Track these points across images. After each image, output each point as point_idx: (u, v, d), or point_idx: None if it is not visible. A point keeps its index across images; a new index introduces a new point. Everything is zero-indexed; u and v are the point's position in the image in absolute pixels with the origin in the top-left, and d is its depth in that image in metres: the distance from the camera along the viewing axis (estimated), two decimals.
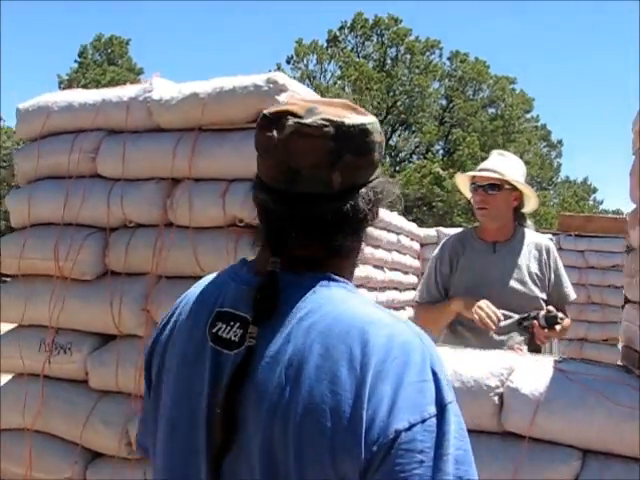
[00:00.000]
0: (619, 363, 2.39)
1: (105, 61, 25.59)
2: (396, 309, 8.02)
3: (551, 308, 2.68)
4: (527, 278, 2.84)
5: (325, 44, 25.28)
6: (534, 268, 2.87)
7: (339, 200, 1.01)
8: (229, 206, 2.37)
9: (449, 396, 0.94)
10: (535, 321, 2.66)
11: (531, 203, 3.01)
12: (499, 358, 2.22)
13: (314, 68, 24.51)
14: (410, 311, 8.50)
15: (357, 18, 24.96)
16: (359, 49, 25.53)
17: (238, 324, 1.00)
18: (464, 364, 2.17)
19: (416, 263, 8.68)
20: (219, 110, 2.41)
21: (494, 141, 22.42)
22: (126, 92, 2.65)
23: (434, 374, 0.94)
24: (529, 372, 2.13)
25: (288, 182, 1.01)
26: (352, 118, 1.03)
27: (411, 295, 8.46)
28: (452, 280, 2.97)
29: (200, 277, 2.35)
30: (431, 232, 9.09)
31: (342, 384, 0.91)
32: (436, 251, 3.10)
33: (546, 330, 2.66)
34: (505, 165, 2.92)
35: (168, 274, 2.51)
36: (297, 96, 2.47)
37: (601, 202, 32.25)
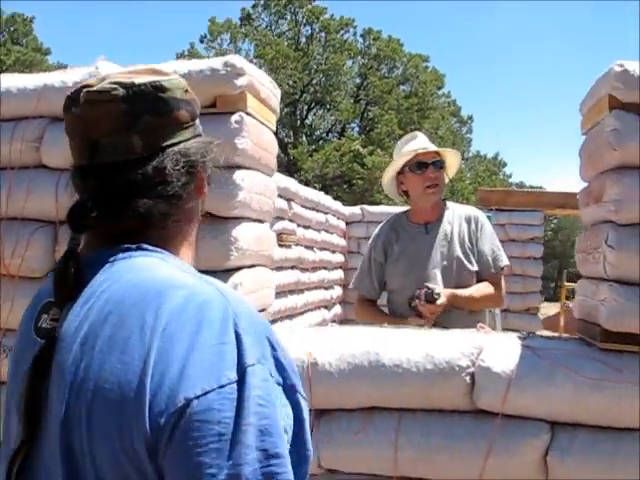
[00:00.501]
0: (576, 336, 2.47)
1: (8, 40, 24.12)
2: (326, 288, 8.10)
3: (429, 285, 2.73)
4: (460, 253, 2.87)
5: (239, 22, 24.87)
6: (466, 240, 2.90)
7: (143, 165, 0.97)
8: None
9: (252, 358, 0.83)
10: (417, 300, 2.72)
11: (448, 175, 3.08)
12: (468, 338, 2.26)
13: (228, 47, 24.05)
14: (339, 290, 8.61)
15: None
16: (273, 27, 25.26)
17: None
18: (435, 346, 2.20)
19: (342, 242, 8.77)
20: None
21: (410, 118, 22.74)
22: (70, 77, 2.49)
23: (237, 335, 0.84)
24: (498, 351, 2.18)
25: (91, 155, 0.97)
26: (144, 78, 0.99)
27: (339, 274, 8.58)
28: (387, 268, 2.99)
29: None
30: (356, 210, 9.20)
31: (131, 352, 0.84)
32: (370, 240, 3.12)
33: (429, 306, 2.70)
34: (431, 143, 3.00)
35: None
36: (253, 80, 2.41)
37: (510, 176, 33.45)
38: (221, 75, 2.27)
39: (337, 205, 8.66)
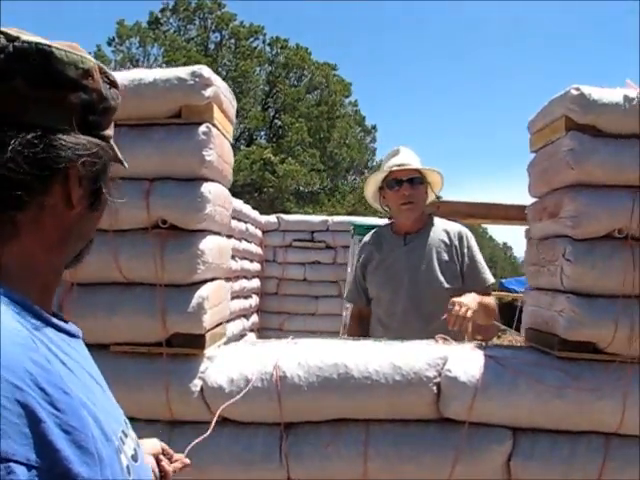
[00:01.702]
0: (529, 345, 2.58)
1: None
2: (245, 297, 8.05)
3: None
4: (436, 268, 2.87)
5: (147, 26, 24.37)
6: (444, 256, 2.89)
7: None
8: (153, 207, 2.22)
9: None
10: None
11: (434, 192, 3.10)
12: (433, 349, 2.31)
13: (137, 51, 23.51)
14: (256, 298, 8.58)
15: (179, 0, 24.30)
16: (182, 32, 24.89)
17: None
18: (402, 357, 2.23)
19: (260, 250, 8.76)
20: (138, 104, 2.24)
21: (319, 126, 22.99)
22: None
23: None
24: (463, 361, 2.24)
25: None
26: (37, 38, 0.82)
27: (257, 282, 8.55)
28: (367, 277, 3.02)
29: (122, 284, 2.22)
30: (272, 219, 9.20)
31: None
32: (356, 253, 3.17)
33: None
34: (414, 159, 3.00)
35: (83, 281, 2.30)
36: (218, 91, 2.37)
37: None
38: (189, 85, 2.23)
39: (255, 214, 8.65)
